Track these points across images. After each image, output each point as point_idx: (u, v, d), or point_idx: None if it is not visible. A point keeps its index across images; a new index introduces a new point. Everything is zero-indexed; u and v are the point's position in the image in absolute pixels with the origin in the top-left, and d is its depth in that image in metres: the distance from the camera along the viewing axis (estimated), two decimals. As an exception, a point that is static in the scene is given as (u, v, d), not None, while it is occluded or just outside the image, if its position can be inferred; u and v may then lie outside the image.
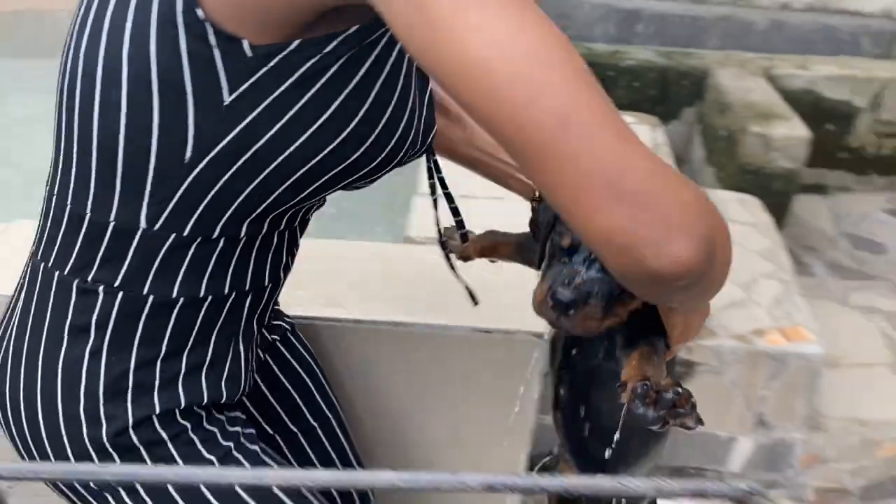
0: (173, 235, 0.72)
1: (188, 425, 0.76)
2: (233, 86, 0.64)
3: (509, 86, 0.51)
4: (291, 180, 0.70)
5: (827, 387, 1.83)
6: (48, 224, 0.78)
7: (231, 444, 0.79)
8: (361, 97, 0.68)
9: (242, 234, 0.73)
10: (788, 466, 1.79)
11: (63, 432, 0.76)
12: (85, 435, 0.75)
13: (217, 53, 0.63)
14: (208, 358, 0.78)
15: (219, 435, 0.78)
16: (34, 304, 0.77)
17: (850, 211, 3.05)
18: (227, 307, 0.77)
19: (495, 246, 0.95)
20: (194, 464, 0.76)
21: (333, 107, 0.67)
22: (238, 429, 0.81)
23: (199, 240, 0.72)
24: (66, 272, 0.75)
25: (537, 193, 0.89)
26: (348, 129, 0.68)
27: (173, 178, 0.69)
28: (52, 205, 0.77)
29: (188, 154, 0.67)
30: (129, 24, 0.65)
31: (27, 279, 0.80)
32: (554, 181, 0.53)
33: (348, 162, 0.70)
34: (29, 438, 0.78)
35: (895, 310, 2.38)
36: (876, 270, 2.56)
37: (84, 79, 0.70)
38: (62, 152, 0.75)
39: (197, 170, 0.68)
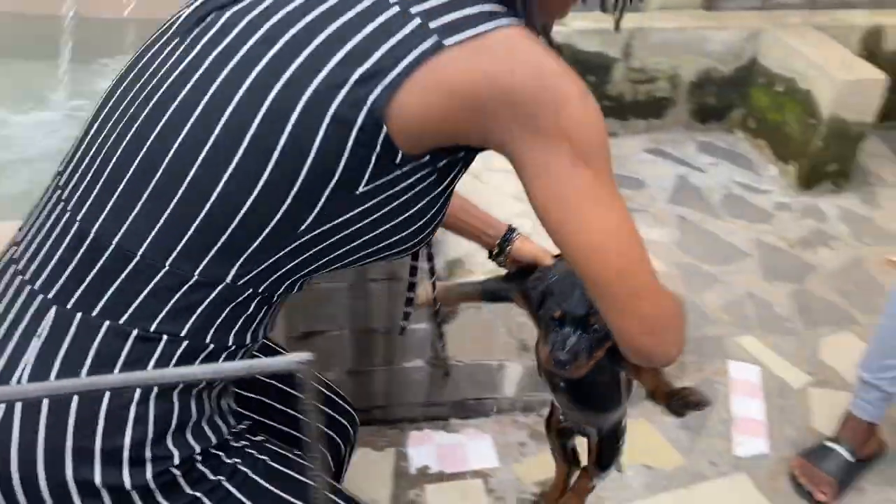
0: (250, 290, 0.77)
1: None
2: (370, 180, 0.76)
3: (616, 260, 0.79)
4: (351, 258, 0.83)
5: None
6: (59, 255, 0.76)
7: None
8: (435, 204, 0.83)
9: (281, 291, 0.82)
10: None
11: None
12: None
13: (375, 155, 0.74)
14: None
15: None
16: (64, 350, 0.74)
17: (616, 153, 3.33)
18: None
19: (461, 298, 1.31)
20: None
21: (419, 205, 0.81)
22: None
23: (263, 296, 0.79)
24: (121, 321, 0.74)
25: (495, 251, 1.20)
26: (414, 227, 0.83)
27: (280, 243, 0.76)
28: (79, 242, 0.75)
29: (304, 226, 0.76)
30: (299, 108, 0.72)
31: (43, 325, 0.75)
32: (618, 312, 0.82)
33: (390, 246, 0.84)
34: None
35: (654, 237, 2.65)
36: (636, 204, 2.82)
37: (201, 119, 0.73)
38: (112, 182, 0.75)
39: (302, 240, 0.77)
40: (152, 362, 0.75)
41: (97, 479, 0.74)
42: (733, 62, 3.23)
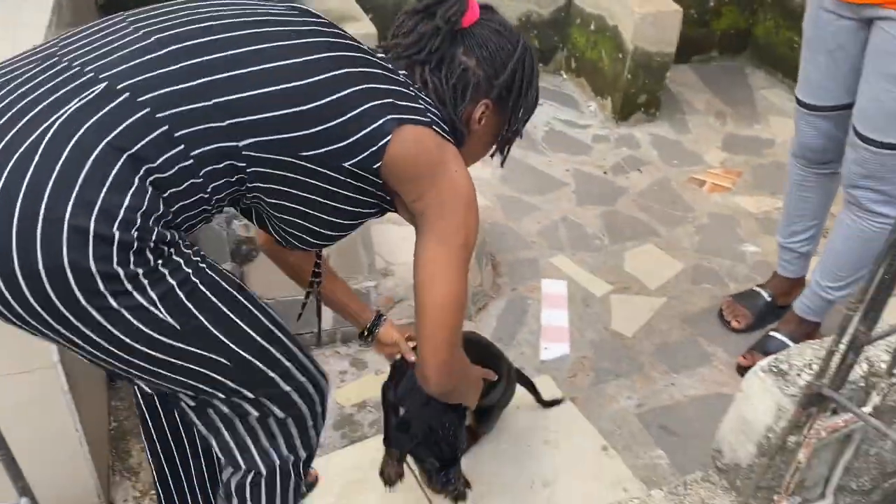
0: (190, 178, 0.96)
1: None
2: (354, 166, 1.05)
3: (445, 309, 1.14)
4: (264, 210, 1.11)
5: (384, 240, 2.14)
6: (126, 53, 0.95)
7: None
8: (349, 230, 1.18)
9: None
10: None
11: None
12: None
13: (372, 176, 1.08)
14: None
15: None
16: (98, 116, 0.90)
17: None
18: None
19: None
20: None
21: (345, 221, 1.15)
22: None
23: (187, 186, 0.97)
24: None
25: (365, 333, 1.57)
26: (326, 229, 1.15)
27: (256, 147, 1.00)
28: (145, 52, 0.95)
29: (290, 150, 1.01)
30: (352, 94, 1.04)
31: (90, 91, 0.91)
32: (427, 340, 1.17)
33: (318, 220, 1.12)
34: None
35: (483, 176, 2.78)
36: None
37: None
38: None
39: (269, 156, 1.01)
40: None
41: (91, 226, 0.87)
42: (551, 4, 3.40)
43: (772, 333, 2.13)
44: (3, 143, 0.87)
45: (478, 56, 1.16)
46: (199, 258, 1.00)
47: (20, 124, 0.88)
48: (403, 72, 1.14)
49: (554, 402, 1.93)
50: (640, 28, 3.01)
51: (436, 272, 1.13)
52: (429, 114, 1.10)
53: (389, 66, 1.12)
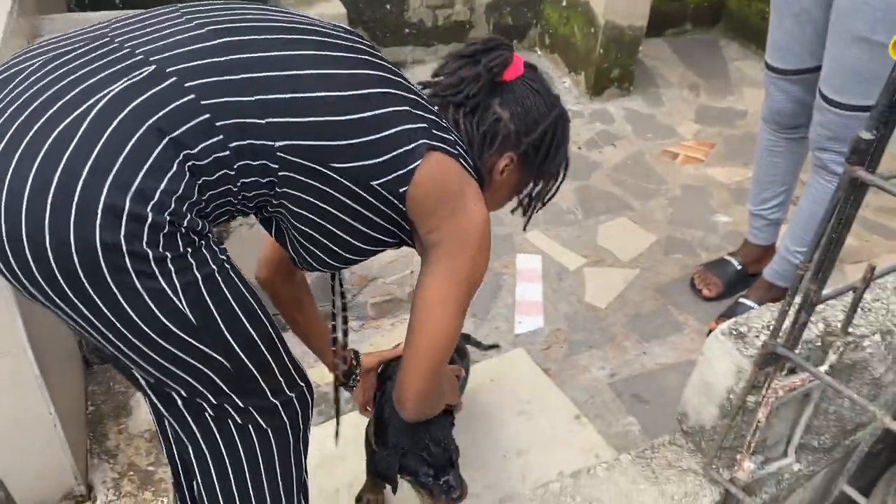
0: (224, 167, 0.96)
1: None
2: (380, 186, 1.04)
3: (436, 340, 1.16)
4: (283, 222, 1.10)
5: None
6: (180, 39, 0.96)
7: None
8: (369, 255, 1.18)
9: None
10: (347, 291, 2.08)
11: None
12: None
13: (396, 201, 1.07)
14: None
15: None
16: (144, 97, 0.91)
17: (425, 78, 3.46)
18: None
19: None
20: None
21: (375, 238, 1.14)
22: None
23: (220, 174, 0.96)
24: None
25: (350, 382, 1.57)
26: (344, 249, 1.13)
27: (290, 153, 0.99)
28: (194, 39, 0.95)
29: (320, 157, 1.00)
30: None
31: (139, 72, 0.93)
32: (412, 366, 1.19)
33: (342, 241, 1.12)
34: None
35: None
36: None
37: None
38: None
39: (299, 161, 0.99)
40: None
41: (126, 205, 0.86)
42: (522, -19, 3.39)
43: (741, 300, 2.16)
44: (50, 113, 0.88)
45: (512, 111, 1.18)
46: (225, 257, 0.99)
47: (68, 96, 0.89)
48: (436, 108, 1.15)
49: (491, 347, 2.00)
50: (610, 2, 3.01)
51: (436, 303, 1.14)
52: (458, 147, 1.11)
53: (424, 97, 1.13)
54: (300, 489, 1.25)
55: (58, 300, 0.91)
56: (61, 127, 0.87)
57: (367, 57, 1.08)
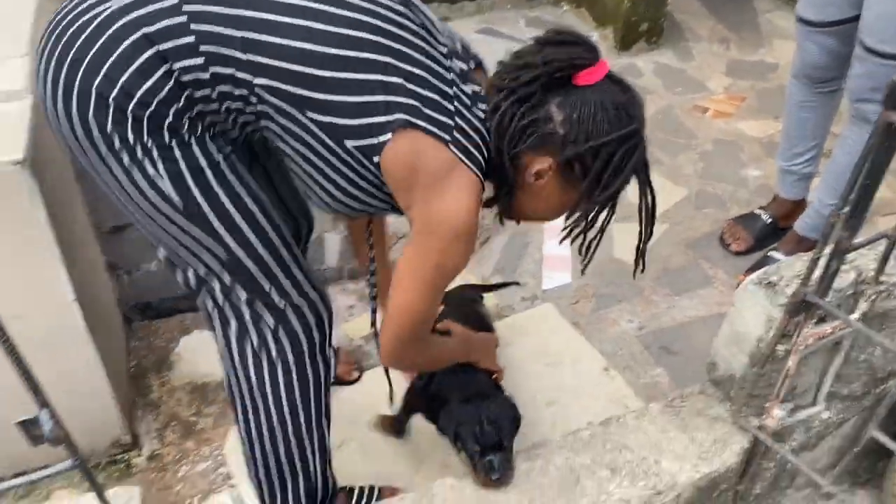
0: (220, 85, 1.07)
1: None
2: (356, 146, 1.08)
3: (400, 311, 1.19)
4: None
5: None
6: None
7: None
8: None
9: None
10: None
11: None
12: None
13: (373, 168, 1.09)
14: None
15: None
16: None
17: (449, 37, 3.44)
18: None
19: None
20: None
21: (363, 200, 1.18)
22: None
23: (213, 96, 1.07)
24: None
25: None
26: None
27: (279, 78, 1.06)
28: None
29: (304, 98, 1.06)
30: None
31: None
32: (385, 324, 1.23)
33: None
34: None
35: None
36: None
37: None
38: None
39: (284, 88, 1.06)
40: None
41: (111, 97, 1.03)
42: (549, -66, 3.33)
43: (771, 253, 2.15)
44: (75, 12, 1.06)
45: (567, 114, 1.08)
46: (221, 157, 1.10)
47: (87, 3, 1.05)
48: (476, 88, 1.12)
49: (507, 284, 2.05)
50: (639, -47, 2.95)
51: (404, 276, 1.16)
52: (455, 132, 1.07)
53: (450, 77, 1.09)
54: (320, 415, 1.34)
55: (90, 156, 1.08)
56: (77, 25, 1.04)
57: (379, 23, 1.07)
